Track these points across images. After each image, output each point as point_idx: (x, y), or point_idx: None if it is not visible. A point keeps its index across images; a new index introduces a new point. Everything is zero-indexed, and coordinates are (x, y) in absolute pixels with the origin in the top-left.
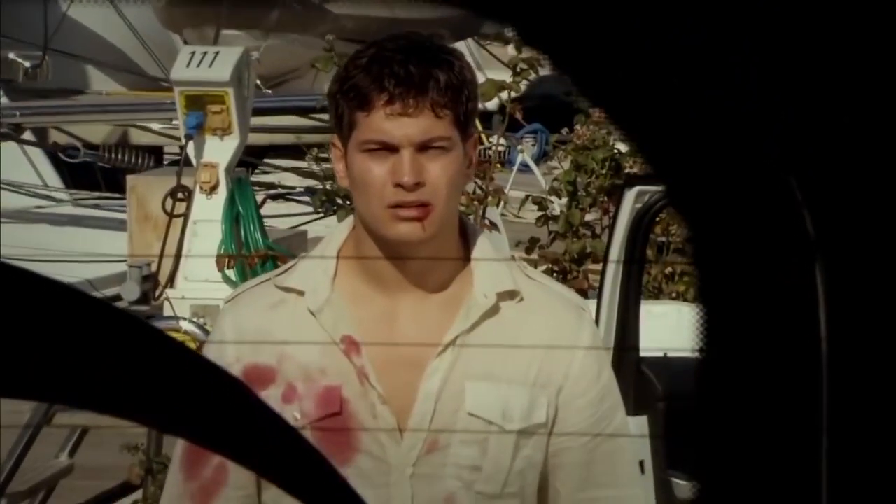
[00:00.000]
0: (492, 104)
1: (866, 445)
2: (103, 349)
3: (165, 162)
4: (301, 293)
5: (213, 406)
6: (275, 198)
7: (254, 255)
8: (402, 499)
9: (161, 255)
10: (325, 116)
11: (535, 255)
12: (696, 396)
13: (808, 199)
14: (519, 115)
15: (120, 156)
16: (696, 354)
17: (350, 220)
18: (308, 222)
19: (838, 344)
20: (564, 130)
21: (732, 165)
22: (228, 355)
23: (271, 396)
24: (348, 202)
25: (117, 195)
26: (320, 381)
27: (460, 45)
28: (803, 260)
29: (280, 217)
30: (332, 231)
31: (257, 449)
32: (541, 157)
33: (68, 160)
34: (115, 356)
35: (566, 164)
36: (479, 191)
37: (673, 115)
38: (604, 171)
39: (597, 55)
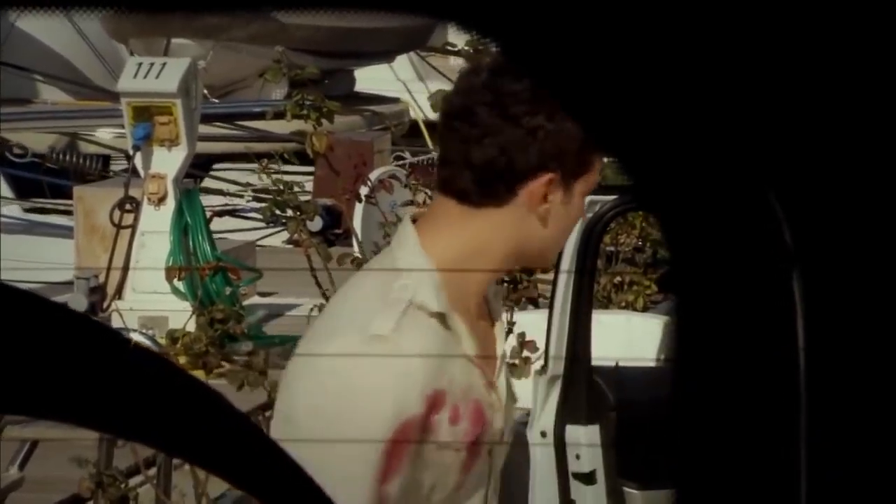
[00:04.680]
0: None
1: (845, 454)
2: (66, 356)
3: (111, 168)
4: (441, 315)
5: (186, 415)
6: (221, 214)
7: (204, 267)
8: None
9: (109, 267)
10: (268, 126)
11: None
12: (673, 407)
13: (787, 212)
14: None
15: (67, 157)
16: (674, 365)
17: (422, 256)
18: (264, 236)
19: (816, 354)
20: None
21: (711, 177)
22: (419, 383)
23: (443, 420)
24: (299, 213)
25: (65, 203)
26: (470, 397)
27: (404, 58)
28: (781, 271)
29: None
30: (413, 265)
31: (232, 458)
32: None
33: (15, 160)
34: (79, 363)
35: None
36: (429, 200)
37: (651, 127)
38: None
39: (583, 75)
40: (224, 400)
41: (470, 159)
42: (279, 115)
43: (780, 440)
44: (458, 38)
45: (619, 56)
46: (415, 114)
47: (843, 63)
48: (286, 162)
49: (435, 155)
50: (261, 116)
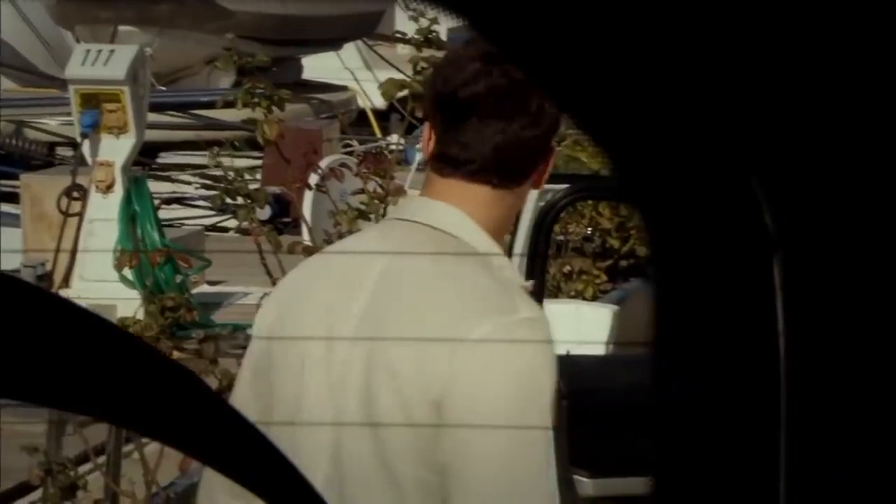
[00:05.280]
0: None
1: (825, 441)
2: (37, 336)
3: (58, 153)
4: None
5: (164, 396)
6: (169, 202)
7: (154, 253)
8: None
9: (56, 255)
10: (217, 114)
11: None
12: (650, 393)
13: (768, 196)
14: (419, 114)
15: (14, 142)
16: (651, 351)
17: (490, 240)
18: (213, 224)
19: (796, 339)
20: None
21: (692, 162)
22: (555, 361)
23: None
24: (249, 200)
25: (11, 185)
26: None
27: (351, 46)
28: (761, 255)
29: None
30: (490, 249)
31: (212, 443)
32: None
33: None
34: (50, 343)
35: None
36: (379, 190)
37: (631, 110)
38: None
39: (559, 54)
40: (196, 377)
41: (508, 144)
42: (229, 104)
43: (760, 425)
44: (406, 26)
45: (599, 39)
46: (362, 102)
47: (828, 48)
48: (236, 150)
49: (384, 143)
50: (211, 105)
